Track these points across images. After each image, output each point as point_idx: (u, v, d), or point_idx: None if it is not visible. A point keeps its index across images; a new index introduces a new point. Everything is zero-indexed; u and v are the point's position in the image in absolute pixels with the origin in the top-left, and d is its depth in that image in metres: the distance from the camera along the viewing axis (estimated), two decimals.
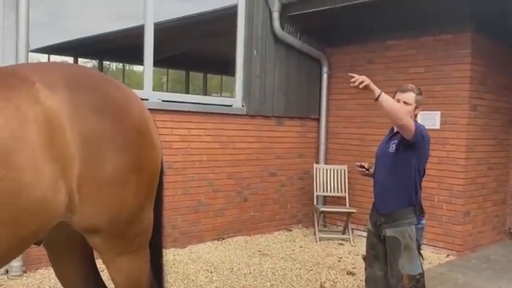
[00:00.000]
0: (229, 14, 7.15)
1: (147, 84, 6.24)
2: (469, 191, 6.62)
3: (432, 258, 6.38)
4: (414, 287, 3.40)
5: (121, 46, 13.00)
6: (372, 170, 3.76)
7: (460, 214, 6.55)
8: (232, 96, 7.30)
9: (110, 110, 2.23)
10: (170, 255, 6.00)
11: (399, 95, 3.53)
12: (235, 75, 7.14)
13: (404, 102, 3.48)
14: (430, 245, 6.70)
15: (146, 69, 6.30)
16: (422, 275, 3.45)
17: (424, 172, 3.61)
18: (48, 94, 2.04)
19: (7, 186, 1.85)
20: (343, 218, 7.41)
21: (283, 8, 7.27)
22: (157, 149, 2.48)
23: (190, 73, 23.92)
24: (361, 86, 3.13)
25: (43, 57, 17.45)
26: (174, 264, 5.72)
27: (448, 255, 6.53)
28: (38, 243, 2.41)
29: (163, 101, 6.33)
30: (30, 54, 8.10)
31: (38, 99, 2.01)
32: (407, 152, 3.41)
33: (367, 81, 3.12)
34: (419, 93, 3.57)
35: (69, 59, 18.92)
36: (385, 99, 3.17)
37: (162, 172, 2.67)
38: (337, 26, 7.68)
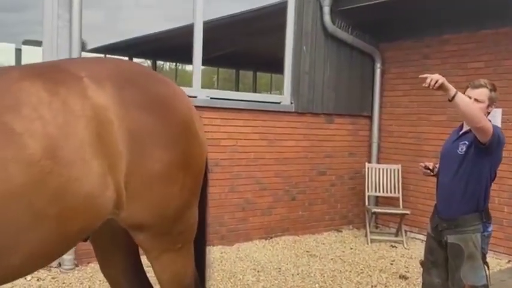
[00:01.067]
0: (279, 10, 6.96)
1: (195, 82, 6.17)
2: None
3: (492, 263, 5.91)
4: None
5: (173, 45, 13.07)
6: (436, 171, 3.44)
7: None
8: (280, 93, 7.06)
9: (158, 106, 2.17)
10: (217, 253, 5.92)
11: (470, 92, 3.20)
12: (284, 71, 6.94)
13: (476, 100, 3.15)
14: (490, 250, 6.16)
15: (195, 66, 6.25)
16: (486, 286, 3.12)
17: (495, 176, 3.28)
18: (96, 90, 1.99)
19: (54, 180, 1.81)
20: (396, 220, 7.06)
21: (335, 2, 7.00)
22: (203, 146, 2.41)
23: (241, 72, 23.90)
24: (436, 86, 2.85)
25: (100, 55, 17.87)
26: (221, 261, 5.62)
27: (509, 260, 6.12)
28: (85, 240, 2.38)
29: (211, 98, 6.22)
30: (86, 54, 8.21)
31: (86, 95, 1.96)
32: (479, 154, 3.10)
33: (441, 79, 2.85)
34: (493, 89, 3.22)
35: (124, 59, 19.25)
36: (462, 99, 2.91)
37: (206, 169, 2.59)
38: (391, 20, 7.33)
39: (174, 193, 2.19)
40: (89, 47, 15.50)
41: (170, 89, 2.32)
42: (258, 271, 5.33)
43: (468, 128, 3.18)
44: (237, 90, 21.30)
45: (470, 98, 3.14)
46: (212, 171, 6.15)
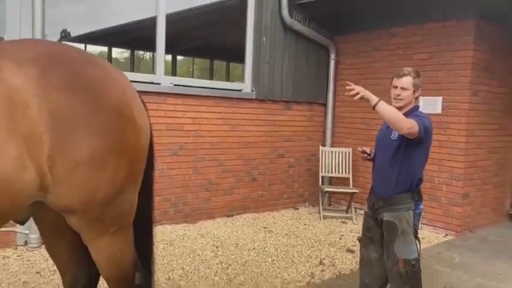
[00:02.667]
0: (240, 3, 6.78)
1: (159, 70, 6.00)
2: (468, 174, 6.25)
3: (431, 237, 6.06)
4: (409, 271, 3.09)
5: (148, 35, 12.68)
6: (373, 155, 3.41)
7: (459, 196, 6.20)
8: (241, 81, 6.96)
9: (86, 89, 1.98)
10: (181, 231, 5.86)
11: (395, 81, 3.18)
12: (245, 61, 6.83)
13: (402, 88, 3.12)
14: (429, 225, 6.40)
15: (158, 55, 6.07)
16: (417, 260, 3.13)
17: (427, 157, 3.25)
18: (14, 71, 1.83)
19: None
20: (347, 198, 7.10)
21: None
22: (141, 132, 2.21)
23: (216, 62, 23.57)
24: (356, 98, 2.91)
25: (80, 46, 17.37)
26: (183, 239, 5.55)
27: (446, 235, 6.22)
28: (21, 223, 2.28)
29: (175, 85, 6.05)
30: (68, 42, 7.89)
31: (2, 77, 1.80)
32: (410, 142, 3.05)
33: (362, 92, 2.90)
34: (417, 75, 3.20)
35: (104, 49, 18.76)
36: (383, 108, 2.91)
37: (152, 154, 2.44)
38: (344, 14, 7.29)
39: (103, 179, 2.03)
40: (72, 35, 15.03)
41: (103, 72, 2.13)
42: (217, 247, 5.27)
43: (403, 112, 3.14)
44: (211, 79, 21.04)
45: (396, 87, 3.13)
46: (176, 154, 6.07)
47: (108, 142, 2.01)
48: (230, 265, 4.67)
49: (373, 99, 2.91)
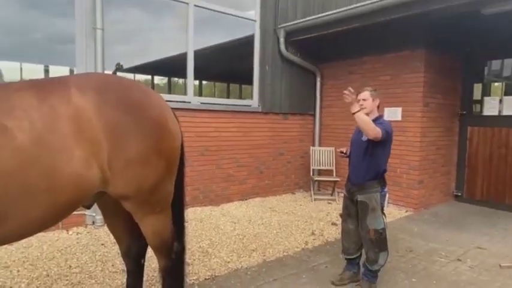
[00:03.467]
0: (249, 41, 6.81)
1: (189, 92, 6.02)
2: (422, 165, 6.21)
3: (395, 213, 6.02)
4: (378, 238, 3.12)
5: (181, 66, 12.70)
6: (348, 153, 3.43)
7: (416, 182, 6.16)
8: (251, 99, 6.97)
9: (131, 107, 2.01)
10: (208, 211, 5.85)
11: (359, 96, 3.24)
12: (253, 83, 6.84)
13: (363, 99, 3.17)
14: (393, 204, 6.35)
15: (188, 81, 6.08)
16: (384, 229, 3.15)
17: (389, 153, 3.27)
18: (79, 96, 1.87)
19: (43, 162, 1.71)
20: (332, 185, 7.08)
21: (287, 36, 6.92)
22: (175, 137, 2.23)
23: (231, 84, 23.55)
24: (346, 100, 2.98)
25: (130, 75, 17.39)
26: (209, 217, 5.54)
27: (406, 211, 6.17)
28: (87, 207, 2.27)
29: (201, 103, 6.08)
30: (120, 73, 8.00)
31: (70, 100, 1.84)
32: (376, 143, 3.07)
33: (351, 99, 2.97)
34: (374, 90, 3.29)
35: (148, 77, 18.84)
36: (359, 116, 2.97)
37: (183, 154, 2.44)
38: (326, 47, 7.27)
39: (148, 172, 2.05)
40: (124, 67, 15.08)
41: (144, 94, 2.15)
42: (235, 223, 5.28)
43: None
44: (228, 98, 21.04)
45: (359, 100, 3.18)
46: (203, 154, 6.11)
47: (150, 145, 2.03)
48: (245, 236, 4.69)
49: (355, 108, 2.97)
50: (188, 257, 3.86)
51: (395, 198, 6.34)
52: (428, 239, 4.76)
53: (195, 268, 3.71)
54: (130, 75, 17.34)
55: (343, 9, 5.97)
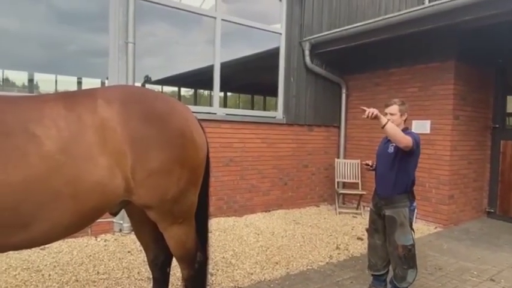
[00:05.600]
0: (274, 53, 6.87)
1: (215, 103, 6.12)
2: (453, 180, 6.00)
3: (423, 229, 5.83)
4: (407, 255, 3.02)
5: (208, 78, 12.89)
6: (374, 166, 3.37)
7: (446, 197, 5.95)
8: (275, 110, 6.99)
9: (155, 118, 2.02)
10: (231, 222, 5.86)
11: (386, 109, 3.19)
12: (278, 95, 6.87)
13: (390, 114, 3.11)
14: (422, 219, 6.16)
15: (215, 93, 6.19)
16: (413, 246, 3.05)
17: (417, 165, 3.19)
18: (105, 107, 1.91)
19: (69, 169, 1.75)
20: (357, 198, 6.95)
21: (312, 48, 6.94)
22: (199, 148, 2.23)
23: (255, 96, 23.72)
24: (372, 116, 2.89)
25: (158, 87, 17.75)
26: (233, 228, 5.54)
27: (436, 227, 5.96)
28: (114, 215, 2.30)
29: (226, 114, 6.15)
30: (149, 85, 8.24)
31: (96, 111, 1.89)
32: (403, 153, 3.01)
33: (375, 112, 2.89)
34: (402, 103, 3.19)
35: (175, 89, 19.23)
36: (390, 127, 2.90)
37: (208, 164, 2.44)
38: (352, 59, 7.23)
39: (171, 183, 2.04)
40: (153, 79, 15.53)
41: (169, 105, 2.16)
42: (258, 234, 5.26)
43: None
44: (252, 109, 21.18)
45: (386, 114, 3.12)
46: (228, 165, 6.16)
47: (173, 156, 2.02)
48: (268, 248, 4.66)
49: (384, 120, 2.92)
50: (211, 268, 3.90)
51: (424, 213, 6.14)
52: (459, 256, 4.58)
53: (218, 279, 3.71)
54: (158, 87, 17.81)
55: (370, 21, 5.95)
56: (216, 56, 6.04)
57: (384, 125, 2.89)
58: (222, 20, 6.08)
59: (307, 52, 6.89)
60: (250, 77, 12.86)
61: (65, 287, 3.44)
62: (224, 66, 6.25)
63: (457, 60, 5.86)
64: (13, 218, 1.64)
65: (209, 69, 6.17)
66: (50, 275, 3.69)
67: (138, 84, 6.11)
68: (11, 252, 4.19)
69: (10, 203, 1.62)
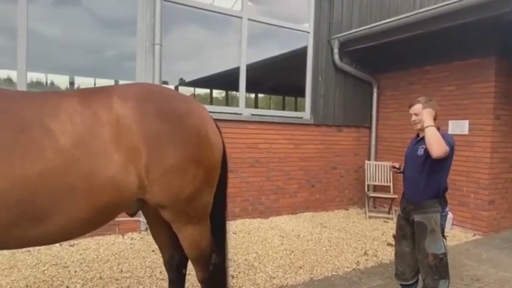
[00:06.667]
0: (303, 53, 6.75)
1: (241, 103, 6.08)
2: (493, 184, 5.61)
3: (460, 236, 5.49)
4: (438, 264, 2.82)
5: (237, 79, 12.91)
6: (402, 168, 3.18)
7: (486, 202, 5.57)
8: (303, 111, 6.87)
9: (171, 116, 2.01)
10: (256, 223, 5.81)
11: (410, 110, 3.01)
12: (305, 95, 6.75)
13: (415, 114, 2.94)
14: (459, 226, 5.81)
15: (240, 93, 6.16)
16: (445, 254, 2.84)
17: (450, 168, 2.97)
18: (120, 104, 1.92)
19: (83, 164, 1.77)
20: (388, 202, 6.68)
21: (341, 46, 6.76)
22: (214, 147, 2.19)
23: (286, 97, 23.55)
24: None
25: (191, 89, 18.00)
26: (258, 230, 5.49)
27: (474, 234, 5.59)
28: (131, 215, 2.29)
29: (252, 114, 6.11)
30: (182, 87, 8.39)
31: (112, 107, 1.90)
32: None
33: (424, 112, 2.88)
34: (428, 101, 2.96)
35: (207, 91, 19.45)
36: (431, 131, 2.75)
37: (225, 165, 2.40)
38: (384, 57, 6.96)
39: (186, 182, 2.01)
40: (186, 80, 15.82)
41: (185, 105, 2.14)
42: (283, 237, 5.16)
43: (423, 134, 2.92)
44: (283, 110, 21.03)
45: (411, 114, 2.94)
46: (253, 166, 6.11)
47: (188, 155, 2.00)
48: (292, 251, 4.56)
49: (428, 122, 2.80)
50: (233, 270, 3.85)
51: (462, 219, 5.79)
52: (499, 266, 4.26)
53: (239, 281, 3.66)
54: (191, 89, 18.13)
55: (403, 16, 5.69)
56: (242, 56, 6.02)
57: (427, 127, 2.76)
58: (249, 19, 6.05)
59: (336, 50, 6.72)
60: (280, 78, 12.77)
61: (88, 284, 3.52)
62: (253, 67, 6.23)
63: (499, 56, 5.48)
64: (30, 210, 1.67)
65: (238, 71, 6.16)
66: (76, 271, 3.79)
67: (171, 86, 6.23)
68: (42, 247, 4.37)
69: (27, 195, 1.65)
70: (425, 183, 2.88)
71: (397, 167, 3.20)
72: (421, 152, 2.89)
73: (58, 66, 5.24)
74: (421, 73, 6.53)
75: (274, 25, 6.38)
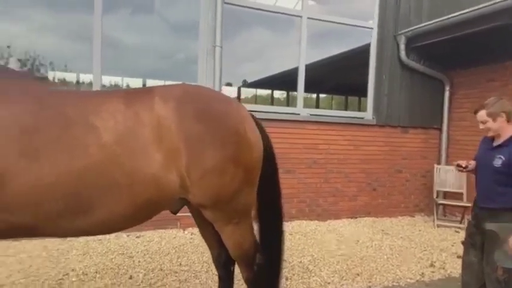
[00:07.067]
0: (365, 50, 6.48)
1: (299, 103, 6.01)
2: None
3: None
4: (508, 280, 2.50)
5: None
6: (470, 167, 2.87)
7: None
8: (365, 111, 6.58)
9: (210, 117, 2.03)
10: (313, 226, 5.70)
11: (476, 118, 2.67)
12: (367, 94, 6.45)
13: (481, 122, 2.61)
14: None
15: (298, 93, 6.09)
16: None
17: None
18: (162, 105, 1.98)
19: (124, 160, 1.84)
20: (461, 210, 6.11)
21: (408, 42, 6.35)
22: (254, 148, 2.17)
23: (349, 98, 22.86)
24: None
25: (253, 90, 18.25)
26: (314, 232, 5.37)
27: None
28: (174, 212, 2.34)
29: (310, 114, 6.00)
30: (245, 88, 8.57)
31: (153, 108, 1.96)
32: None
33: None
34: (494, 103, 2.60)
35: (269, 91, 19.60)
36: None
37: (273, 164, 2.39)
38: (457, 51, 6.39)
39: (225, 182, 2.02)
40: (248, 81, 16.14)
41: (224, 105, 2.15)
42: (341, 241, 4.98)
43: (502, 141, 2.60)
44: (346, 111, 20.43)
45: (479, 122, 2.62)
46: (311, 167, 5.99)
47: (227, 155, 2.01)
48: (350, 257, 4.37)
49: None
50: (287, 271, 3.81)
51: None
52: None
53: (293, 283, 3.60)
54: (252, 90, 18.40)
55: (482, 5, 5.16)
56: (301, 56, 5.94)
57: None
58: (308, 18, 5.95)
59: (402, 46, 6.33)
60: (341, 77, 12.40)
61: (150, 274, 3.72)
62: (313, 66, 6.16)
63: None
64: (76, 203, 1.79)
65: (297, 71, 6.11)
66: (139, 261, 4.03)
67: (234, 88, 6.40)
68: (112, 237, 4.73)
69: (73, 189, 1.75)
70: (501, 194, 2.56)
71: (463, 166, 2.89)
72: (497, 163, 2.58)
73: (131, 69, 5.68)
74: (502, 68, 5.88)
75: (335, 22, 6.21)
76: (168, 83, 6.40)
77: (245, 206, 2.22)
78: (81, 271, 3.71)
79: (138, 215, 1.96)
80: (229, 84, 6.67)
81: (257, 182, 2.24)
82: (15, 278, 3.49)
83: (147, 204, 1.93)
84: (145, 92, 2.06)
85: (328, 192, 6.07)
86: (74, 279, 3.53)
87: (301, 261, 4.18)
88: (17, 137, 1.70)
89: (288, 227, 5.52)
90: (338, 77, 12.33)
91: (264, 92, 19.69)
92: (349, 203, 6.23)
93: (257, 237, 2.41)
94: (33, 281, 3.46)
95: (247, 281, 2.37)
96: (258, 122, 2.34)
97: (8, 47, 5.35)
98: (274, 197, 2.43)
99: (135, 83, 6.24)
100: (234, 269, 2.62)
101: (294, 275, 3.81)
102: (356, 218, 6.24)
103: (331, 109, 21.19)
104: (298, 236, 5.13)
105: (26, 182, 1.68)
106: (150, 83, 6.27)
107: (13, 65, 5.52)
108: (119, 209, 1.86)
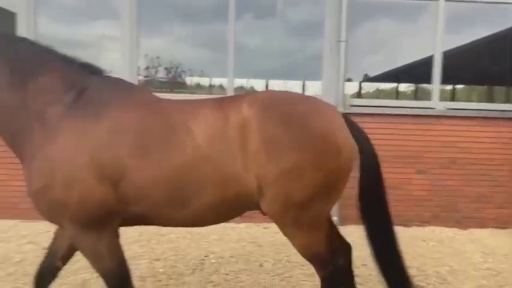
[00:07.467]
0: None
1: (434, 96, 5.46)
2: None
3: None
4: None
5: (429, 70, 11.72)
6: None
7: None
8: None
9: (290, 119, 2.07)
10: (450, 233, 5.16)
11: None
12: None
13: None
14: None
15: (434, 84, 5.54)
16: None
17: None
18: (248, 109, 2.11)
19: (214, 160, 2.04)
20: None
21: None
22: (341, 154, 2.10)
23: (495, 88, 19.70)
24: None
25: (375, 85, 17.35)
26: (452, 241, 4.83)
27: None
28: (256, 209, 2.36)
29: (448, 109, 5.40)
30: (366, 82, 8.34)
31: (241, 111, 2.11)
32: None
33: None
34: None
35: (394, 85, 18.34)
36: None
37: (378, 167, 2.33)
38: None
39: (298, 187, 2.02)
40: (370, 75, 15.46)
41: (310, 109, 2.15)
42: (487, 254, 4.35)
43: None
44: (491, 103, 17.68)
45: None
46: (449, 167, 5.37)
47: (306, 158, 2.02)
48: (500, 273, 3.79)
49: None
50: (421, 280, 3.55)
51: None
52: None
53: None
54: (374, 85, 17.44)
55: None
56: (437, 44, 5.39)
57: None
58: (446, 0, 5.36)
59: None
60: (483, 65, 10.80)
61: (277, 264, 3.90)
62: (448, 55, 5.52)
63: None
64: (177, 196, 2.06)
65: (429, 60, 5.58)
66: (268, 251, 4.27)
67: (355, 83, 6.22)
68: (243, 226, 5.11)
69: (174, 183, 2.04)
70: None
71: None
72: None
73: (256, 71, 6.05)
74: None
75: (477, 1, 5.45)
76: (290, 82, 6.58)
77: (319, 214, 2.17)
78: (218, 254, 4.12)
79: (226, 211, 2.16)
80: (349, 80, 6.50)
81: (340, 192, 2.19)
82: (167, 255, 4.10)
83: (234, 200, 2.10)
84: (235, 98, 2.24)
85: (469, 197, 5.36)
86: (213, 261, 3.96)
87: (437, 271, 3.81)
88: (133, 139, 2.05)
89: (420, 232, 5.10)
90: (479, 65, 10.78)
91: (387, 86, 18.43)
92: (496, 211, 5.39)
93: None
94: (181, 258, 4.01)
95: (322, 279, 2.34)
96: (360, 131, 2.31)
97: (157, 57, 6.29)
98: (380, 204, 2.37)
99: (259, 84, 6.60)
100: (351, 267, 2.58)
101: (429, 284, 3.51)
102: (506, 228, 5.37)
103: (471, 101, 18.61)
104: (433, 243, 4.69)
105: (141, 177, 2.02)
106: (272, 83, 6.53)
107: (161, 73, 6.48)
108: (209, 203, 2.09)
